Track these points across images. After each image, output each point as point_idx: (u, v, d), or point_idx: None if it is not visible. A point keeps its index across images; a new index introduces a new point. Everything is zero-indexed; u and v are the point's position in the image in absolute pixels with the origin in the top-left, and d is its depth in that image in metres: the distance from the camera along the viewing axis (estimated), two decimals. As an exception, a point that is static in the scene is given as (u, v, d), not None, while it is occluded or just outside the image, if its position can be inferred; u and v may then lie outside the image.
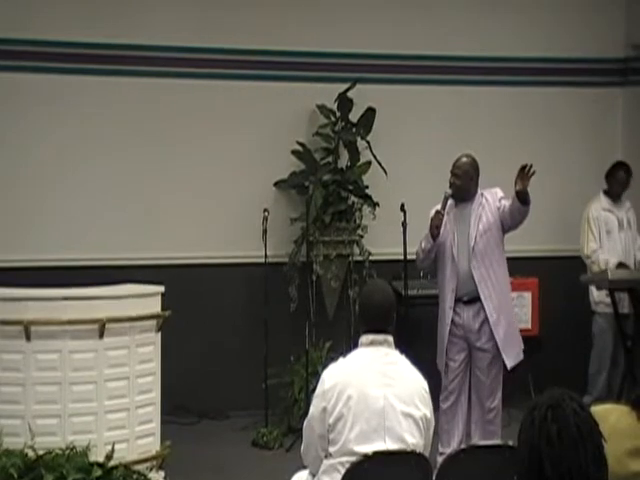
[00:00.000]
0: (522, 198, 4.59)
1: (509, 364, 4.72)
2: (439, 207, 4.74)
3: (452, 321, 4.74)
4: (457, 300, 4.74)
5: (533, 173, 4.56)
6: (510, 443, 3.02)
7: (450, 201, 4.80)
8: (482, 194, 4.82)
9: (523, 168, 4.57)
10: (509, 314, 4.80)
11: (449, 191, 4.77)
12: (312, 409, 3.09)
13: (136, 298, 4.60)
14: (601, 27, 7.12)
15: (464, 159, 4.86)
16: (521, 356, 4.80)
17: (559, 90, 7.09)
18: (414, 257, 6.23)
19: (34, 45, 6.17)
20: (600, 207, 6.31)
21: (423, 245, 4.83)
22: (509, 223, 4.77)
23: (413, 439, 3.00)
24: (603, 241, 6.24)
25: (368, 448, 2.93)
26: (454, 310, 4.74)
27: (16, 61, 6.16)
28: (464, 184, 4.77)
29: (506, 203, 4.73)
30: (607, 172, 6.42)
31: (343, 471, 2.94)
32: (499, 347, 4.67)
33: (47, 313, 4.29)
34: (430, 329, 6.71)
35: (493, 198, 4.81)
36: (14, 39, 6.12)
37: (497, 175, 7.00)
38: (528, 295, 6.54)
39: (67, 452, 4.13)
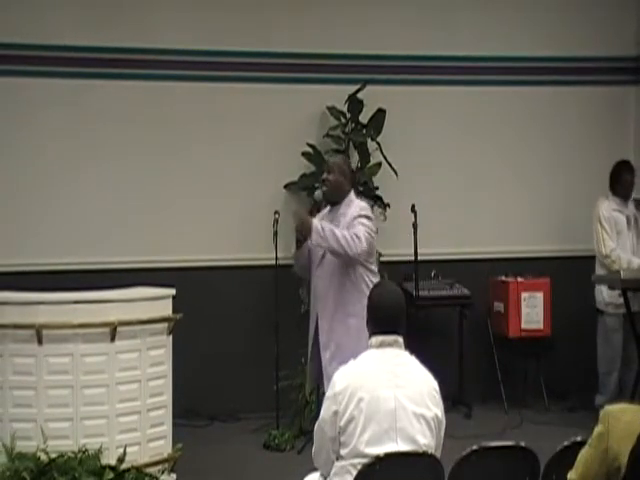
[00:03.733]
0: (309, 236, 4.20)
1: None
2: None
3: (316, 338, 4.36)
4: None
5: (298, 214, 4.30)
6: (522, 444, 3.01)
7: (328, 208, 4.43)
8: (351, 202, 4.37)
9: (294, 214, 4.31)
10: (345, 339, 4.21)
11: (319, 193, 4.43)
12: (323, 412, 3.08)
13: (147, 301, 4.60)
14: (613, 26, 7.08)
15: (332, 159, 4.55)
16: None
17: (571, 89, 7.06)
18: (425, 258, 6.27)
19: (38, 50, 6.17)
20: (610, 207, 6.28)
21: (292, 249, 4.51)
22: None
23: (425, 440, 2.99)
24: (614, 241, 6.21)
25: (380, 450, 2.92)
26: (317, 326, 4.36)
27: (20, 65, 6.16)
28: (337, 179, 4.34)
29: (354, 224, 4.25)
30: (611, 177, 6.33)
31: (355, 473, 2.93)
32: (321, 369, 4.24)
33: (59, 317, 4.30)
34: (441, 330, 6.73)
35: (353, 212, 4.32)
36: (19, 44, 6.13)
37: (508, 175, 7.03)
38: (540, 295, 6.52)
39: (79, 455, 4.14)
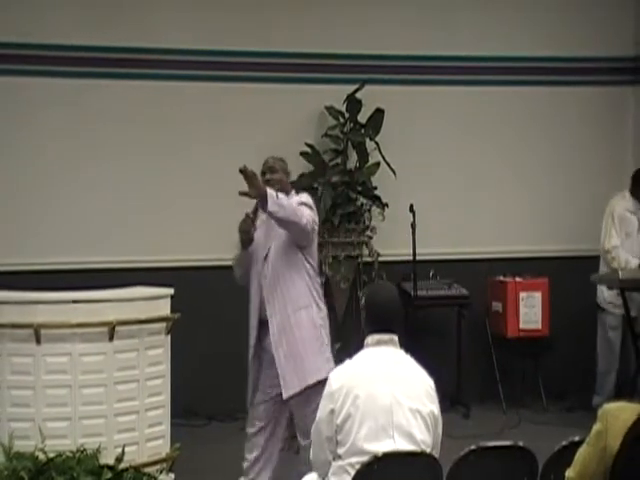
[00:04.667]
0: (260, 204, 3.97)
1: (284, 394, 4.08)
2: (249, 211, 4.18)
3: (258, 344, 4.24)
4: (263, 320, 4.21)
5: (252, 174, 3.94)
6: (520, 443, 3.01)
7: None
8: (293, 197, 4.20)
9: (241, 171, 3.96)
10: (298, 335, 4.10)
11: None
12: (320, 412, 3.09)
13: (145, 301, 4.59)
14: (612, 26, 7.09)
15: (272, 158, 4.34)
16: (301, 387, 4.07)
17: (569, 90, 7.07)
18: (423, 258, 6.27)
19: (38, 49, 6.17)
20: (626, 207, 6.26)
21: (235, 252, 4.33)
22: (286, 231, 4.11)
23: (421, 435, 2.99)
24: (621, 241, 6.20)
25: (377, 446, 2.93)
26: (259, 331, 4.23)
27: (20, 65, 6.17)
28: (281, 178, 4.23)
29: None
30: (633, 179, 6.29)
31: (352, 472, 2.93)
32: (278, 372, 4.10)
33: (57, 316, 4.29)
34: (439, 330, 6.73)
35: (296, 200, 4.17)
36: (20, 43, 6.14)
37: (507, 175, 7.03)
38: (538, 295, 6.52)
39: (77, 455, 4.13)
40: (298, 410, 4.15)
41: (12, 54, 6.16)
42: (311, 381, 4.07)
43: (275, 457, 4.32)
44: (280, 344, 4.12)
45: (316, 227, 4.26)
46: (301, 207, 4.09)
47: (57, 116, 6.26)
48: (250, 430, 4.34)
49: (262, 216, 4.20)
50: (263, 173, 4.25)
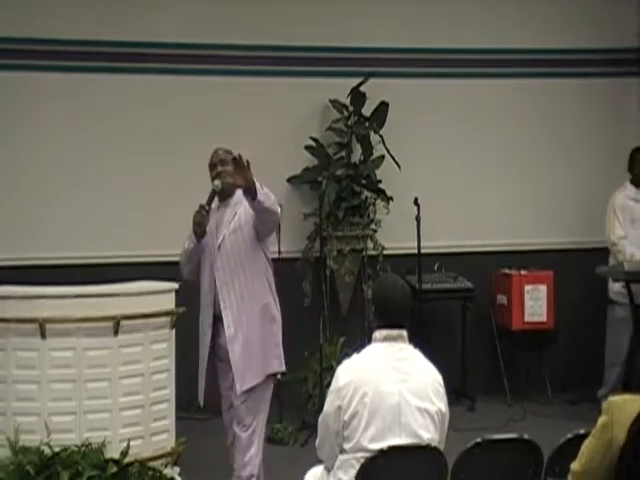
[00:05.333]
0: (248, 194, 3.86)
1: (238, 388, 3.96)
2: (204, 202, 4.06)
3: (214, 341, 4.07)
4: (218, 316, 4.04)
5: (247, 163, 3.85)
6: (526, 436, 3.01)
7: (216, 205, 4.14)
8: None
9: (235, 159, 3.88)
10: (254, 329, 4.00)
11: (218, 183, 4.06)
12: (327, 406, 3.07)
13: (150, 295, 4.60)
14: (614, 18, 7.07)
15: (222, 149, 4.21)
16: (256, 381, 3.99)
17: (574, 82, 7.05)
18: (428, 251, 6.26)
19: (46, 44, 6.18)
20: (626, 195, 6.25)
21: (186, 246, 4.16)
22: (257, 225, 4.01)
23: (428, 434, 2.98)
24: (627, 230, 6.18)
25: (383, 445, 2.92)
26: (214, 328, 4.05)
27: (25, 60, 6.17)
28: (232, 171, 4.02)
29: None
30: (629, 162, 6.34)
31: (358, 466, 2.93)
32: (232, 366, 3.96)
33: (62, 311, 4.30)
34: (444, 323, 6.72)
35: None
36: (21, 38, 6.13)
37: (511, 168, 7.01)
38: (543, 288, 6.51)
39: (83, 449, 4.14)
40: (240, 399, 4.00)
41: (14, 49, 6.16)
42: (263, 377, 4.01)
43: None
44: (235, 338, 3.97)
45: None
46: (271, 194, 3.95)
47: (60, 111, 6.26)
48: (228, 441, 4.23)
49: (213, 207, 4.12)
50: (214, 165, 4.14)
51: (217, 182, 4.07)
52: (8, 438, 4.16)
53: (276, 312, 4.13)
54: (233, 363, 3.97)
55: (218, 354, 4.09)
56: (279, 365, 4.09)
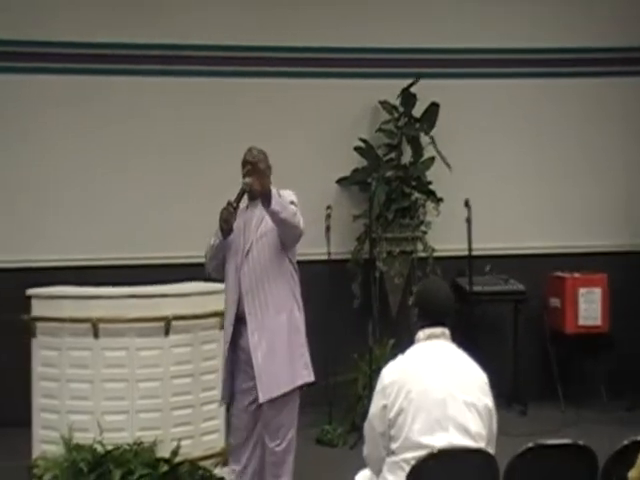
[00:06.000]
0: (262, 200, 3.80)
1: (261, 397, 3.84)
2: (232, 199, 3.94)
3: (234, 341, 3.97)
4: (240, 316, 3.96)
5: (266, 170, 3.83)
6: (580, 442, 2.95)
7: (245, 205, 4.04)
8: (277, 192, 3.89)
9: (253, 164, 3.86)
10: (278, 338, 3.90)
11: (249, 181, 3.92)
12: (372, 408, 3.06)
13: (201, 296, 4.63)
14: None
15: (256, 149, 4.05)
16: (280, 391, 3.86)
17: (632, 80, 6.90)
18: (479, 254, 6.19)
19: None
20: None
21: (212, 241, 4.06)
22: (280, 233, 3.92)
23: (476, 428, 2.95)
24: None
25: (432, 439, 2.89)
26: (236, 328, 3.95)
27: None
28: (266, 169, 3.97)
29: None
30: None
31: (407, 468, 2.90)
32: (255, 374, 3.86)
33: (114, 311, 4.36)
34: (495, 325, 6.64)
35: (285, 196, 3.93)
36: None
37: (565, 170, 6.90)
38: (597, 291, 6.40)
39: (134, 448, 4.19)
40: (270, 412, 3.90)
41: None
42: (289, 388, 3.89)
43: (261, 460, 4.02)
44: (259, 345, 3.88)
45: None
46: (292, 207, 3.90)
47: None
48: (234, 441, 4.04)
49: (242, 205, 4.05)
50: (246, 162, 4.02)
51: (248, 180, 3.95)
52: (62, 436, 4.24)
53: (300, 321, 4.03)
54: (256, 371, 3.88)
55: (240, 355, 3.99)
56: (308, 375, 3.99)
